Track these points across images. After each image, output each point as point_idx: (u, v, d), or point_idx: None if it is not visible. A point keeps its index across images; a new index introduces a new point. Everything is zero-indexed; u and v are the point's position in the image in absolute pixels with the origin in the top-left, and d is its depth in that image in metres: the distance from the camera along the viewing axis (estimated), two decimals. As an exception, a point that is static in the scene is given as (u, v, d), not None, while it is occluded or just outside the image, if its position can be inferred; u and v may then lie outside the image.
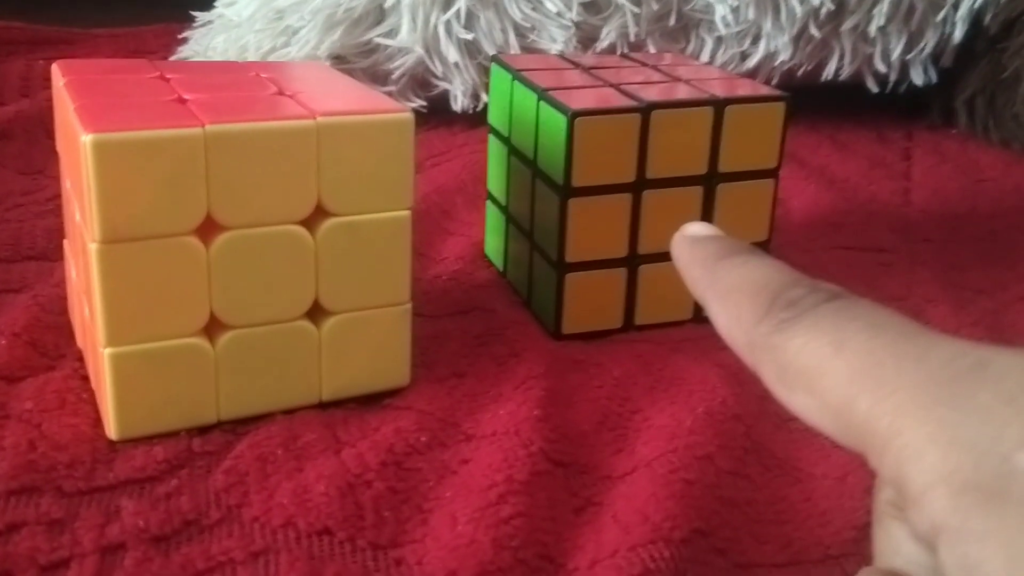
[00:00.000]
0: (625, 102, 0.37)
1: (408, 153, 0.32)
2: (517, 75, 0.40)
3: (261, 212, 0.30)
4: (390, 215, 0.32)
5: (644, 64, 0.44)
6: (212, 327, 0.31)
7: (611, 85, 0.39)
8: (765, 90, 0.40)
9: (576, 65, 0.43)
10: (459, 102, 0.64)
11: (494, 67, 0.43)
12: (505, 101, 0.42)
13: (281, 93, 0.33)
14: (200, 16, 0.73)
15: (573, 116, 0.36)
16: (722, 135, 0.38)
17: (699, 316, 0.41)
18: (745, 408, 0.34)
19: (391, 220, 0.32)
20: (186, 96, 0.32)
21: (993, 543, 0.15)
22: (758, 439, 0.32)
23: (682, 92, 0.39)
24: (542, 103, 0.38)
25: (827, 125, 0.67)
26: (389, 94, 0.65)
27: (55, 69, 0.34)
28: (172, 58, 0.73)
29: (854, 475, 0.30)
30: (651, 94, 0.38)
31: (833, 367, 0.18)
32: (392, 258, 0.33)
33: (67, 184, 0.34)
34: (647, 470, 0.30)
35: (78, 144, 0.28)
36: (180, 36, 0.74)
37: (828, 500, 0.29)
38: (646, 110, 0.37)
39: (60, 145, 0.35)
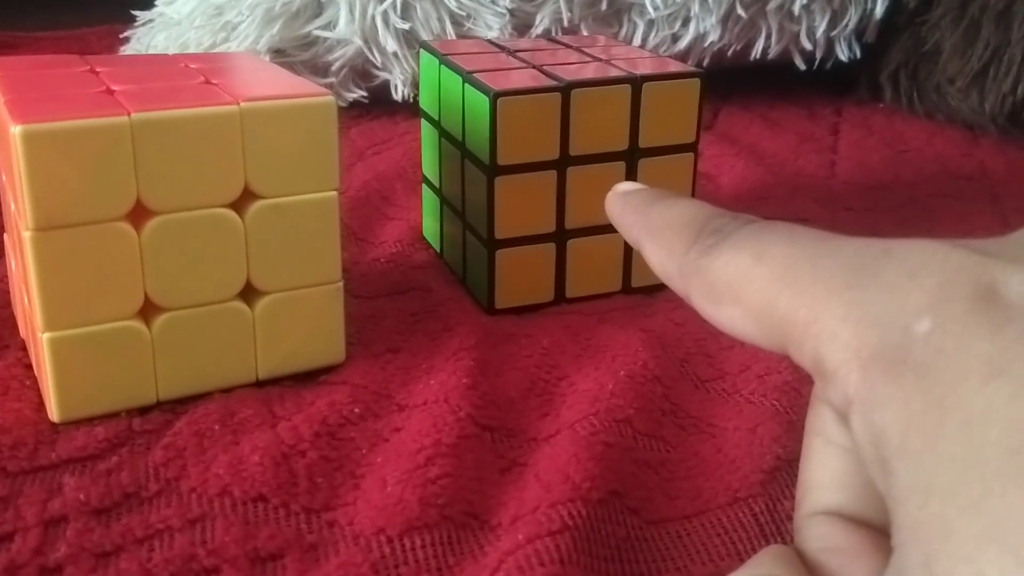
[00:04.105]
0: (546, 82, 0.39)
1: (332, 135, 0.33)
2: (444, 59, 0.42)
3: (190, 196, 0.31)
4: (317, 196, 0.33)
5: (568, 46, 0.45)
6: (147, 310, 0.32)
7: (534, 66, 0.41)
8: (681, 67, 0.41)
9: (502, 49, 0.44)
10: (399, 91, 0.65)
11: (423, 53, 0.44)
12: (434, 85, 0.43)
13: (208, 82, 0.34)
14: (141, 15, 0.73)
15: (495, 96, 0.37)
16: (641, 111, 0.40)
17: (627, 288, 0.42)
18: (665, 370, 0.35)
19: (319, 201, 0.33)
20: (114, 87, 0.33)
21: (893, 408, 0.16)
22: (676, 400, 0.34)
23: (602, 71, 0.40)
24: (467, 85, 0.39)
25: (759, 104, 0.69)
26: (330, 85, 0.66)
27: (-14, 66, 0.35)
28: (114, 57, 0.73)
29: (764, 426, 0.31)
30: (572, 74, 0.39)
31: (755, 274, 0.19)
32: (321, 238, 0.34)
33: (2, 178, 0.35)
34: (570, 432, 0.31)
35: (7, 136, 0.29)
36: (122, 36, 0.74)
37: (738, 449, 0.31)
38: (566, 89, 0.38)
39: (-6, 140, 0.36)
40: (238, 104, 0.31)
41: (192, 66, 0.36)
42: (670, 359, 0.36)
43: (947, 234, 0.47)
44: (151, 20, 0.73)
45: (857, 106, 0.69)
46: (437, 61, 0.42)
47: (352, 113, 0.67)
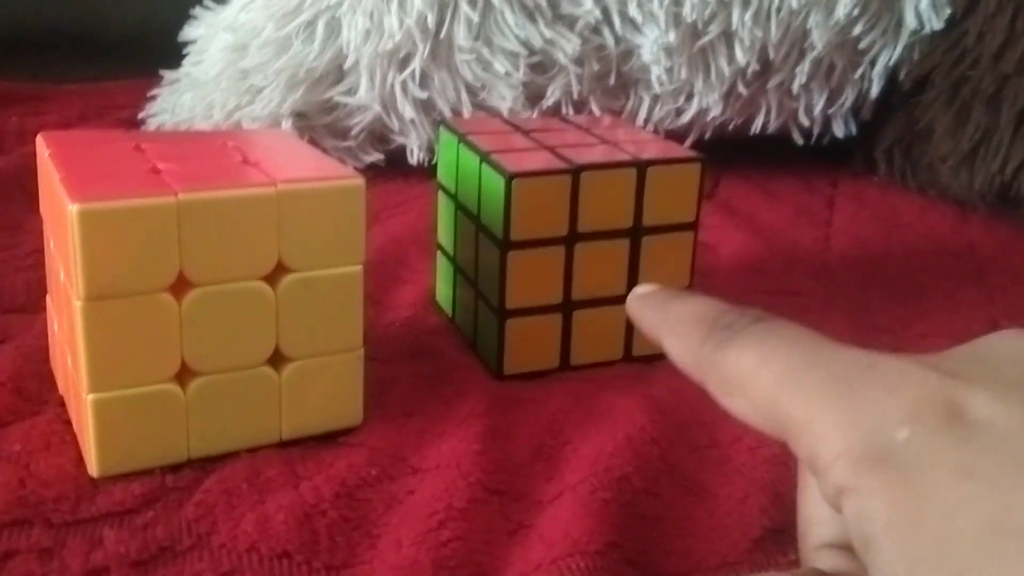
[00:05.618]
0: (558, 164, 0.41)
1: (360, 214, 0.36)
2: (462, 138, 0.44)
3: (228, 270, 0.34)
4: (344, 270, 0.36)
5: (579, 127, 0.48)
6: (183, 374, 0.34)
7: (546, 148, 0.44)
8: (683, 152, 0.44)
9: (517, 128, 0.47)
10: (415, 156, 0.68)
11: (442, 130, 0.47)
12: (452, 161, 0.46)
13: (246, 161, 0.37)
14: (167, 75, 0.77)
15: (511, 177, 0.40)
16: (645, 193, 0.42)
17: (628, 356, 0.45)
18: (662, 434, 0.37)
19: (345, 275, 0.36)
20: (160, 166, 0.35)
21: (878, 497, 0.20)
22: (672, 462, 0.36)
23: (609, 154, 0.43)
24: (484, 165, 0.42)
25: (758, 175, 0.71)
26: (349, 148, 0.69)
27: (39, 140, 0.38)
28: (142, 114, 0.76)
29: (753, 497, 0.34)
30: (581, 156, 0.42)
31: (760, 374, 0.23)
32: (346, 308, 0.37)
33: (51, 245, 0.38)
34: (572, 493, 0.33)
35: (64, 212, 0.32)
36: (149, 94, 0.77)
37: (728, 517, 0.33)
38: (576, 171, 0.41)
39: (44, 209, 0.38)
40: (275, 186, 0.34)
41: (230, 144, 0.39)
42: (668, 424, 0.38)
43: (936, 311, 0.50)
44: (177, 80, 0.76)
45: (852, 178, 0.72)
46: (456, 139, 0.45)
47: (368, 175, 0.69)
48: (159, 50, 0.84)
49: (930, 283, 0.54)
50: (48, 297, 0.40)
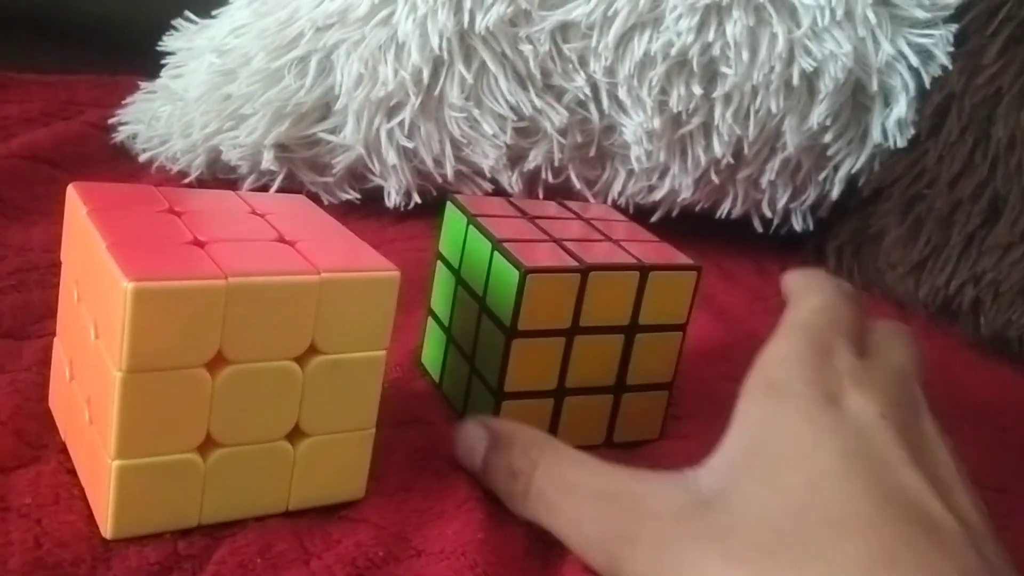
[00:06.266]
0: (568, 261, 0.43)
1: (391, 304, 0.37)
2: (472, 220, 0.46)
3: (263, 350, 0.35)
4: (369, 355, 0.37)
5: (580, 217, 0.50)
6: (206, 444, 0.35)
7: (555, 240, 0.45)
8: (682, 259, 0.47)
9: (523, 213, 0.49)
10: (392, 199, 0.69)
11: (449, 206, 0.48)
12: (458, 239, 0.47)
13: (282, 239, 0.38)
14: (144, 85, 0.76)
15: (526, 272, 0.42)
16: (644, 294, 0.45)
17: (609, 442, 0.47)
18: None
19: (369, 359, 0.37)
20: (200, 237, 0.36)
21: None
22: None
23: (615, 254, 0.45)
24: (496, 253, 0.44)
25: (713, 252, 0.74)
26: (326, 184, 0.70)
27: (72, 191, 0.38)
28: (113, 120, 0.75)
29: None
30: (589, 253, 0.44)
31: None
32: (365, 390, 0.38)
33: (74, 296, 0.38)
34: (571, 593, 0.35)
35: (111, 282, 0.32)
36: (124, 101, 0.76)
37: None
38: (586, 271, 0.43)
39: (69, 258, 0.39)
40: (318, 274, 0.35)
41: (257, 211, 0.40)
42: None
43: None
44: (153, 91, 0.75)
45: (802, 266, 0.76)
46: (465, 219, 0.46)
47: (341, 210, 0.70)
48: (121, 45, 0.83)
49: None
50: (56, 339, 0.40)
